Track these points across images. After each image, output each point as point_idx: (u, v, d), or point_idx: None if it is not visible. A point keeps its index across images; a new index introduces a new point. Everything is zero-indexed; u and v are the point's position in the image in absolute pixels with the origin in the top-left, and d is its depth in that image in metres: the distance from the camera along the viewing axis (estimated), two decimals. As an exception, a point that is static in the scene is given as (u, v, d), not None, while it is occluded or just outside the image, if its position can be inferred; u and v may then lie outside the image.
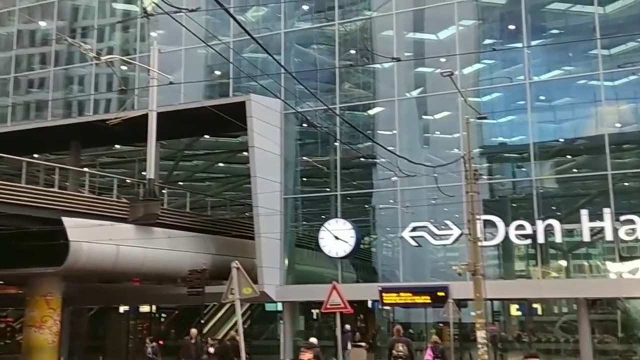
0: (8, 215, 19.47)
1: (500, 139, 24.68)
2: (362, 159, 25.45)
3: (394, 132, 24.36)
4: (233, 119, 20.39)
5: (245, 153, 26.37)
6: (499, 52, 22.98)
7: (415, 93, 25.11)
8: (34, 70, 30.62)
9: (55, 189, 22.31)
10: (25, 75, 30.54)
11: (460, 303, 21.02)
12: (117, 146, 32.30)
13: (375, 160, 24.57)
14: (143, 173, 25.54)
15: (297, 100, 24.85)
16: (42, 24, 30.75)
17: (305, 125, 25.97)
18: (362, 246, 25.33)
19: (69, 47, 28.89)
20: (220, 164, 36.83)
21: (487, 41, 24.63)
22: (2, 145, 24.59)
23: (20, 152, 24.20)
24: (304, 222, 27.33)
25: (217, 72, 27.81)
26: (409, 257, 23.38)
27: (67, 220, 20.19)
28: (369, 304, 26.60)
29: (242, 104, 23.52)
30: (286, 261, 24.74)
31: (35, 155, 30.11)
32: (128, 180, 29.04)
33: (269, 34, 25.87)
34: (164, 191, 27.07)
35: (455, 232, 21.73)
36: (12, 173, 24.95)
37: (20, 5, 30.75)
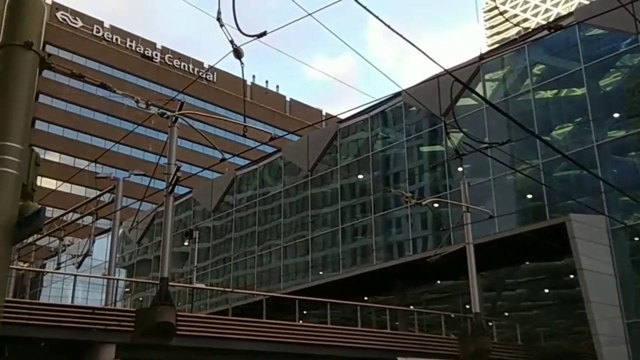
0: (347, 357, 20.67)
1: None
2: None
3: None
4: (553, 242, 19.38)
5: (572, 276, 24.58)
6: None
7: None
8: (357, 220, 33.50)
9: (388, 330, 23.22)
10: (350, 225, 33.52)
11: None
12: (439, 282, 32.86)
13: None
14: (467, 307, 25.32)
15: (623, 214, 22.75)
16: (360, 176, 34.04)
17: (637, 239, 23.43)
18: None
19: (384, 194, 31.24)
20: (546, 290, 34.79)
21: None
22: (336, 291, 26.88)
23: (352, 296, 26.09)
24: (656, 349, 23.83)
25: (529, 196, 27.12)
26: None
27: (401, 361, 20.70)
28: None
29: (562, 225, 22.33)
30: (641, 396, 21.58)
31: (365, 298, 32.16)
32: (453, 316, 29.02)
33: (580, 149, 24.66)
34: (490, 324, 26.35)
35: None
36: (347, 317, 26.84)
37: (340, 164, 34.64)
